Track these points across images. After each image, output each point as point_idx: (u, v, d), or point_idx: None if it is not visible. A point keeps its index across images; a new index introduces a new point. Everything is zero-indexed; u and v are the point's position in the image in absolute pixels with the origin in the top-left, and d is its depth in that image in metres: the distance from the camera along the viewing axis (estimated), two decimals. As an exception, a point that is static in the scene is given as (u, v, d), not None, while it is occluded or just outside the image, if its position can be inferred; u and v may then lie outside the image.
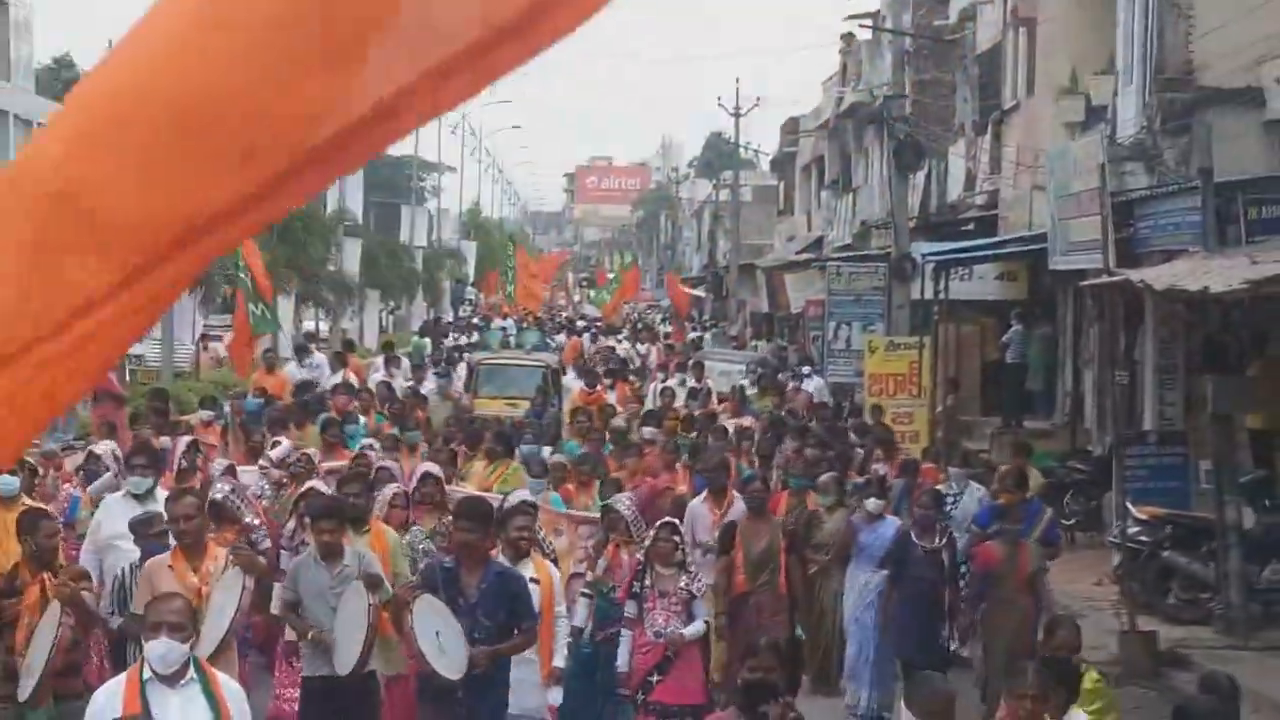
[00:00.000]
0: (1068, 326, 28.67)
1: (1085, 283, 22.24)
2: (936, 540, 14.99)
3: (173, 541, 11.24)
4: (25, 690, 10.42)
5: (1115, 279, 18.20)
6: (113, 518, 13.09)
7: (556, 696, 12.59)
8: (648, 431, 21.25)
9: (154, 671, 8.12)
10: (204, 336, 40.31)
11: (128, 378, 31.47)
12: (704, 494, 16.55)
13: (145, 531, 12.04)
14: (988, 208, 33.41)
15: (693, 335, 56.05)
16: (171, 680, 8.11)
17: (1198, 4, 22.69)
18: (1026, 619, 13.96)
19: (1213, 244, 18.56)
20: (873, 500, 16.02)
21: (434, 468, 15.22)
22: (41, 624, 10.63)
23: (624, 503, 14.49)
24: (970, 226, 34.15)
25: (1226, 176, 19.87)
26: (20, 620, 10.89)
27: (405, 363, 32.55)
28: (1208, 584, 18.31)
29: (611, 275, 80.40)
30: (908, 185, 35.37)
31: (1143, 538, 19.03)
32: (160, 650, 8.12)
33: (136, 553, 12.25)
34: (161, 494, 13.09)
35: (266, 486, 16.15)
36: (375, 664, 11.63)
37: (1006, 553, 14.34)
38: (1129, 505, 19.09)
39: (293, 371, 28.61)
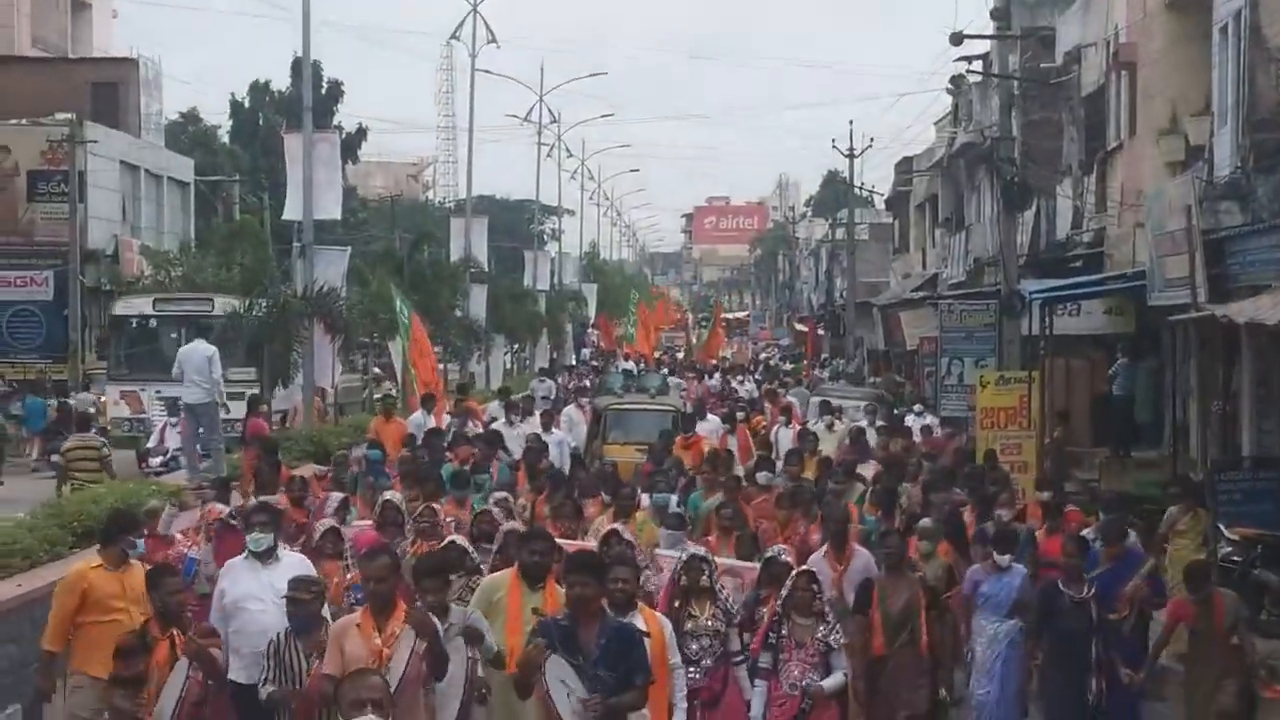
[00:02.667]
0: (1173, 360, 29.63)
1: (1174, 317, 23.38)
2: (1085, 590, 14.53)
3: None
4: None
5: (1202, 314, 19.32)
6: (238, 581, 13.01)
7: None
8: (763, 477, 20.31)
9: None
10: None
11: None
12: (824, 547, 15.68)
13: (298, 599, 11.70)
14: (1094, 245, 34.37)
15: (815, 373, 57.29)
16: None
17: (1288, 48, 23.80)
18: (1230, 676, 13.19)
19: (1293, 279, 19.70)
20: (996, 555, 15.34)
21: (493, 508, 15.36)
22: (170, 679, 10.97)
23: (786, 553, 14.22)
24: (1078, 263, 35.09)
25: (1314, 215, 21.00)
26: (150, 676, 10.96)
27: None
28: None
29: (725, 321, 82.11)
30: (1016, 224, 36.47)
31: (1235, 557, 20.05)
32: None
33: (269, 614, 12.36)
34: (285, 553, 13.34)
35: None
36: None
37: (1200, 608, 14.11)
38: (1221, 527, 20.17)
39: (417, 420, 28.44)
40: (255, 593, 12.75)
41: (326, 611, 12.03)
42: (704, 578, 13.06)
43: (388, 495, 16.63)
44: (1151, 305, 26.63)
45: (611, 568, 11.38)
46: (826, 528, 15.98)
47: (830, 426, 29.86)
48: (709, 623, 13.03)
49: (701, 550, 13.78)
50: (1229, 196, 24.61)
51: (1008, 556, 15.20)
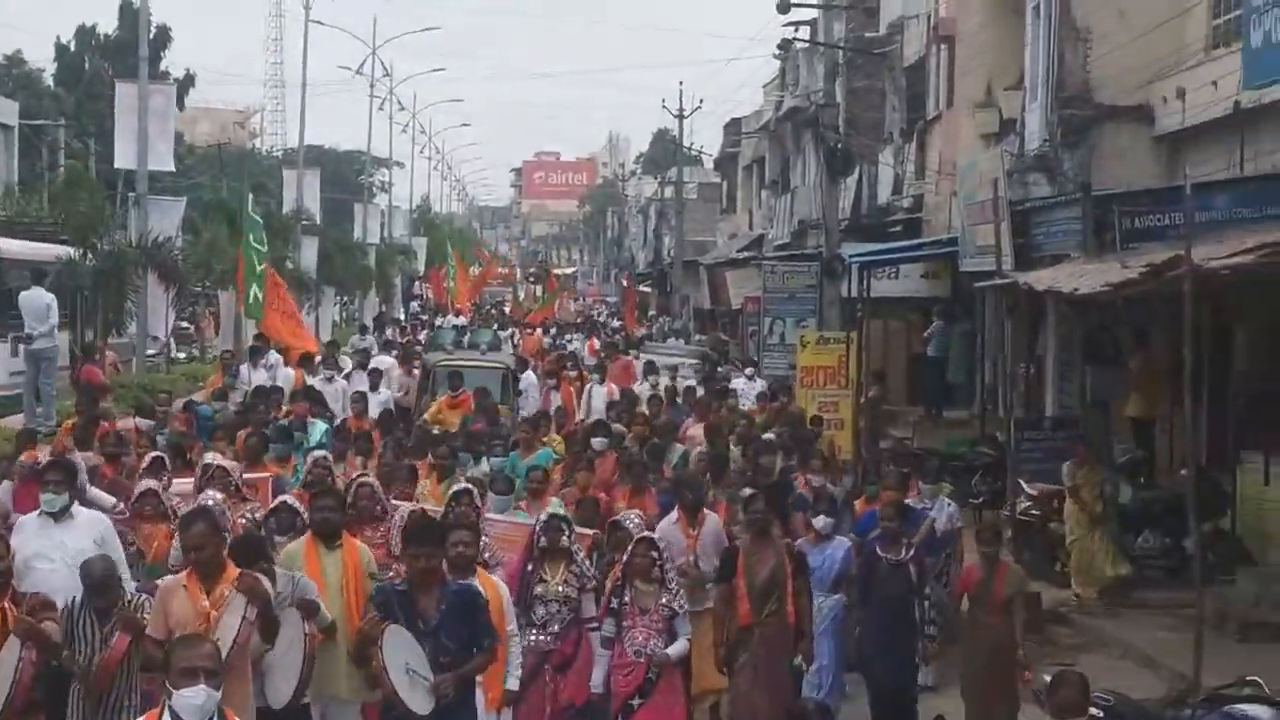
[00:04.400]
0: (984, 324, 30.86)
1: (980, 284, 24.64)
2: (903, 553, 14.31)
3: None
4: None
5: (1006, 281, 20.53)
6: (27, 540, 12.40)
7: None
8: (598, 442, 19.45)
9: None
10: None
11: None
12: (675, 513, 15.05)
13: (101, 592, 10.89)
14: (913, 211, 35.60)
15: (640, 333, 57.95)
16: None
17: (1095, 27, 25.03)
18: (1002, 644, 13.84)
19: (1092, 249, 20.95)
20: (821, 519, 15.11)
21: (370, 478, 14.61)
22: (0, 660, 10.03)
23: (633, 519, 14.04)
24: (897, 229, 36.27)
25: (1117, 188, 22.22)
26: None
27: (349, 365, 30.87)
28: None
29: (558, 278, 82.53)
30: (839, 189, 37.60)
31: (1034, 511, 21.33)
32: (198, 700, 7.42)
33: (58, 574, 11.96)
34: (81, 511, 12.77)
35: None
36: (350, 689, 11.42)
37: (983, 573, 14.11)
38: (1022, 483, 21.42)
39: (244, 373, 28.24)
40: (45, 551, 12.31)
41: (129, 579, 11.83)
42: (563, 538, 12.94)
43: (209, 456, 16.25)
44: (964, 271, 27.82)
45: (452, 531, 11.37)
46: (679, 493, 15.43)
47: (655, 386, 29.99)
48: (560, 588, 12.91)
49: (560, 509, 13.59)
50: (1037, 169, 25.84)
51: (823, 520, 15.01)
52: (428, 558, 10.17)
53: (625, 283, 74.16)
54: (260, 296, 25.98)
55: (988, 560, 14.14)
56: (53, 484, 12.59)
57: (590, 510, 15.12)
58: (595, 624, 12.89)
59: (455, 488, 14.68)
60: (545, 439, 21.11)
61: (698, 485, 15.61)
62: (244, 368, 28.65)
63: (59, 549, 12.30)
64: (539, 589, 12.89)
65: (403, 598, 10.10)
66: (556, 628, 12.90)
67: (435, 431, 22.03)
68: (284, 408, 23.86)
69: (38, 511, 12.69)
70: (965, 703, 14.16)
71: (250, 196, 26.11)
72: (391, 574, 12.24)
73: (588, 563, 13.27)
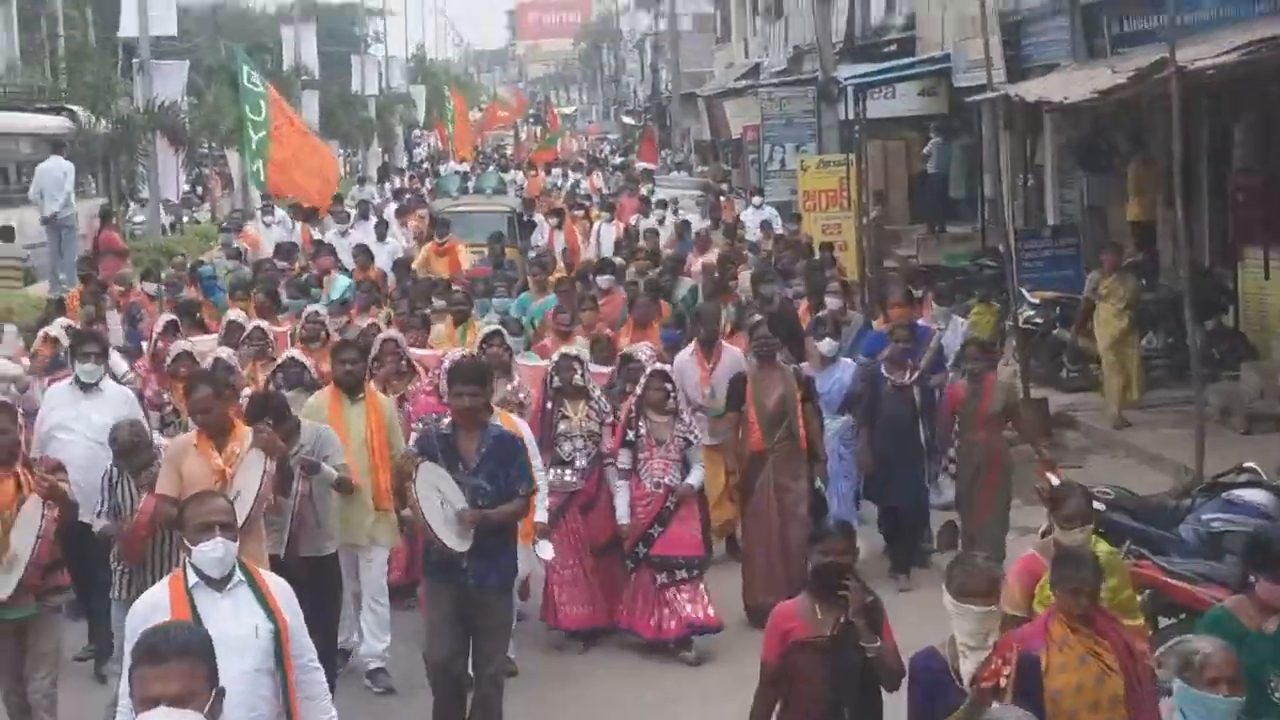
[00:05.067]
0: (983, 137, 30.97)
1: (971, 98, 24.71)
2: (907, 376, 14.41)
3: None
4: (7, 588, 9.87)
5: (996, 94, 20.68)
6: (55, 407, 12.63)
7: (547, 551, 12.13)
8: (603, 280, 19.61)
9: (202, 576, 7.41)
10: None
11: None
12: (692, 345, 15.23)
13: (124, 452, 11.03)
14: (907, 29, 35.52)
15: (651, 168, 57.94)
16: (220, 584, 7.40)
17: None
18: (991, 460, 13.92)
19: (1082, 57, 21.06)
20: (827, 341, 14.89)
21: (394, 333, 14.47)
22: (21, 518, 9.94)
23: (644, 351, 14.08)
24: (892, 48, 36.14)
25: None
26: None
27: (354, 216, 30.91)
28: (1093, 355, 20.36)
29: (561, 117, 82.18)
30: (832, 10, 37.42)
31: (1037, 319, 21.59)
32: (217, 553, 7.39)
33: (77, 445, 12.12)
34: (109, 385, 12.84)
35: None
36: (374, 537, 11.70)
37: (970, 390, 14.02)
38: (1025, 292, 21.69)
39: (252, 229, 28.41)
40: (68, 423, 12.43)
41: (158, 440, 11.84)
42: (577, 376, 12.93)
43: (232, 314, 16.58)
44: (959, 87, 27.89)
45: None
46: (696, 326, 15.56)
47: (662, 221, 30.39)
48: (583, 423, 12.89)
49: (572, 349, 13.61)
50: (1028, -23, 25.77)
51: (828, 343, 14.82)
52: (471, 396, 10.14)
53: (630, 120, 73.81)
54: (262, 169, 25.83)
55: (972, 377, 14.02)
56: (92, 355, 12.63)
57: (604, 348, 15.06)
58: (611, 460, 12.89)
59: (486, 328, 14.61)
60: (553, 279, 21.24)
61: (713, 317, 15.51)
62: (251, 225, 28.82)
63: (81, 421, 12.39)
64: (562, 426, 12.88)
65: (444, 440, 10.11)
66: (583, 463, 12.88)
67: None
68: (299, 263, 24.12)
69: (70, 379, 12.77)
70: (960, 516, 14.27)
71: (245, 68, 25.95)
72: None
73: (603, 399, 13.20)
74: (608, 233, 29.23)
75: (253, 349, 14.93)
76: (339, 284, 21.46)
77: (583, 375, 13.05)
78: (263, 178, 26.38)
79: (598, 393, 13.22)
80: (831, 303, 17.21)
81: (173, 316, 16.64)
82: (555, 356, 13.34)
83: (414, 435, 11.82)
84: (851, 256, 27.62)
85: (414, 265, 24.48)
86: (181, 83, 37.65)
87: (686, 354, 15.03)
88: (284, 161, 25.86)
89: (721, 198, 38.68)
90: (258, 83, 26.12)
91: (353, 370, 11.95)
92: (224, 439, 10.09)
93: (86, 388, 12.54)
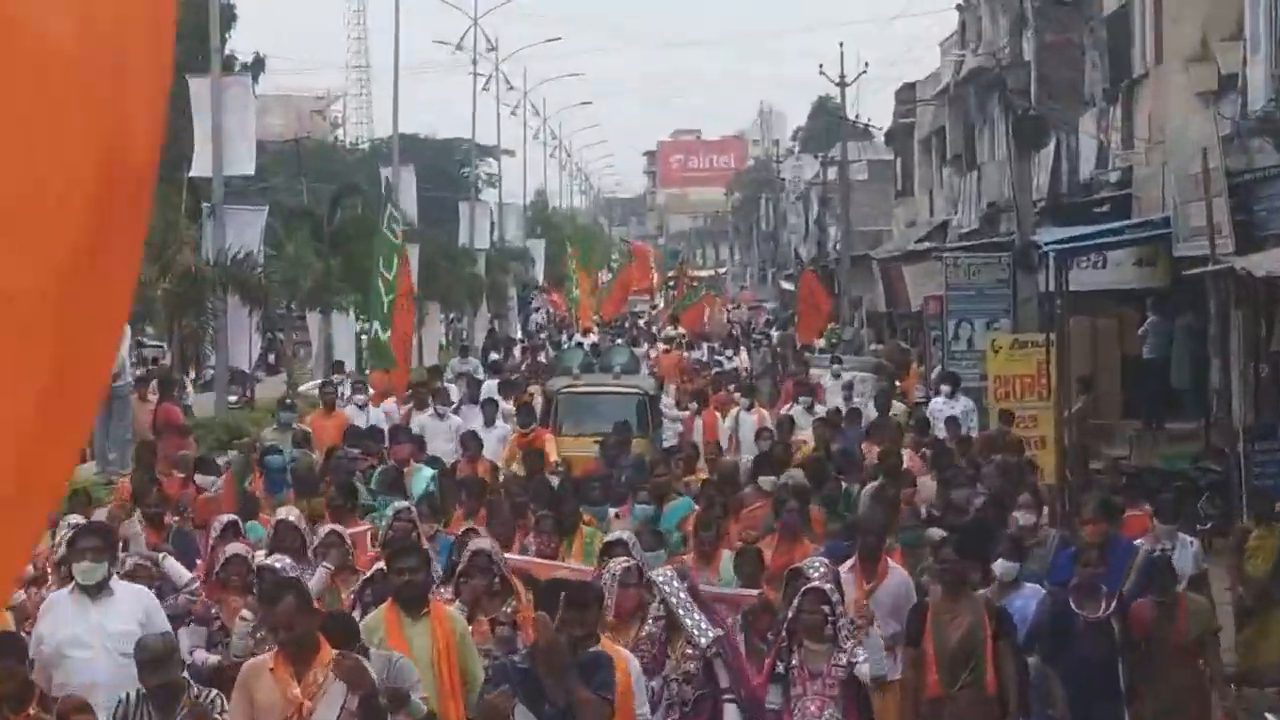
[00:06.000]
0: (1210, 317, 31.16)
1: (1195, 271, 25.05)
2: (1102, 608, 14.13)
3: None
4: None
5: (1220, 266, 21.13)
6: (61, 620, 12.38)
7: None
8: (766, 483, 19.85)
9: None
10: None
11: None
12: (852, 560, 15.30)
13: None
14: (1121, 186, 35.96)
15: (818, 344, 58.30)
16: None
17: (1327, -36, 25.44)
18: (1189, 694, 13.96)
19: (1328, 225, 21.48)
20: (1001, 563, 14.80)
21: (487, 543, 14.27)
22: None
23: (817, 568, 13.96)
24: (1104, 208, 36.39)
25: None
26: None
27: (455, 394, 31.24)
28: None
29: (698, 281, 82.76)
30: (1032, 163, 38.18)
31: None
32: None
33: (98, 663, 11.98)
34: (120, 586, 12.66)
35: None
36: None
37: (1158, 612, 14.01)
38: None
39: (353, 413, 28.61)
40: (82, 637, 12.17)
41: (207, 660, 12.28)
42: (827, 624, 12.87)
43: (282, 513, 16.42)
44: (1180, 256, 28.24)
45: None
46: (859, 538, 15.63)
47: (810, 409, 30.56)
48: (683, 664, 12.85)
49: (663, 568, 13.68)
50: (1262, 132, 26.04)
51: (1003, 564, 14.74)
52: (576, 625, 10.38)
53: (789, 286, 73.95)
54: (384, 335, 26.20)
55: (1164, 604, 14.09)
56: (90, 551, 12.40)
57: (752, 564, 15.05)
58: (729, 695, 12.79)
59: (609, 537, 14.86)
60: (688, 479, 21.63)
61: (876, 527, 15.75)
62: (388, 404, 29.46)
63: (97, 633, 12.18)
64: (666, 667, 12.86)
65: (524, 675, 10.24)
66: (688, 708, 12.88)
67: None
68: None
69: (70, 587, 12.53)
70: None
71: (389, 209, 26.64)
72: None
73: (704, 622, 12.85)
74: (747, 422, 29.62)
75: (333, 558, 14.71)
76: (421, 476, 21.63)
77: (832, 624, 12.91)
78: (385, 352, 26.76)
79: (698, 618, 12.89)
80: (1023, 518, 17.26)
81: (233, 517, 16.58)
82: (798, 599, 13.01)
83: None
84: (1050, 456, 27.78)
85: (501, 460, 25.05)
86: (259, 231, 38.80)
87: (844, 569, 14.95)
88: (403, 337, 26.19)
89: (897, 383, 39.19)
90: (397, 231, 26.62)
91: (413, 580, 12.05)
92: (306, 664, 10.21)
93: (91, 591, 12.32)
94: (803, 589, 12.95)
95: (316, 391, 32.50)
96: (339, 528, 15.79)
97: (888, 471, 20.76)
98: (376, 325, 26.60)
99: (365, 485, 20.63)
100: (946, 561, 13.97)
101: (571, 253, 76.34)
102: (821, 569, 13.84)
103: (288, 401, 28.94)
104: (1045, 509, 19.40)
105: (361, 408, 29.19)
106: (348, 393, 30.18)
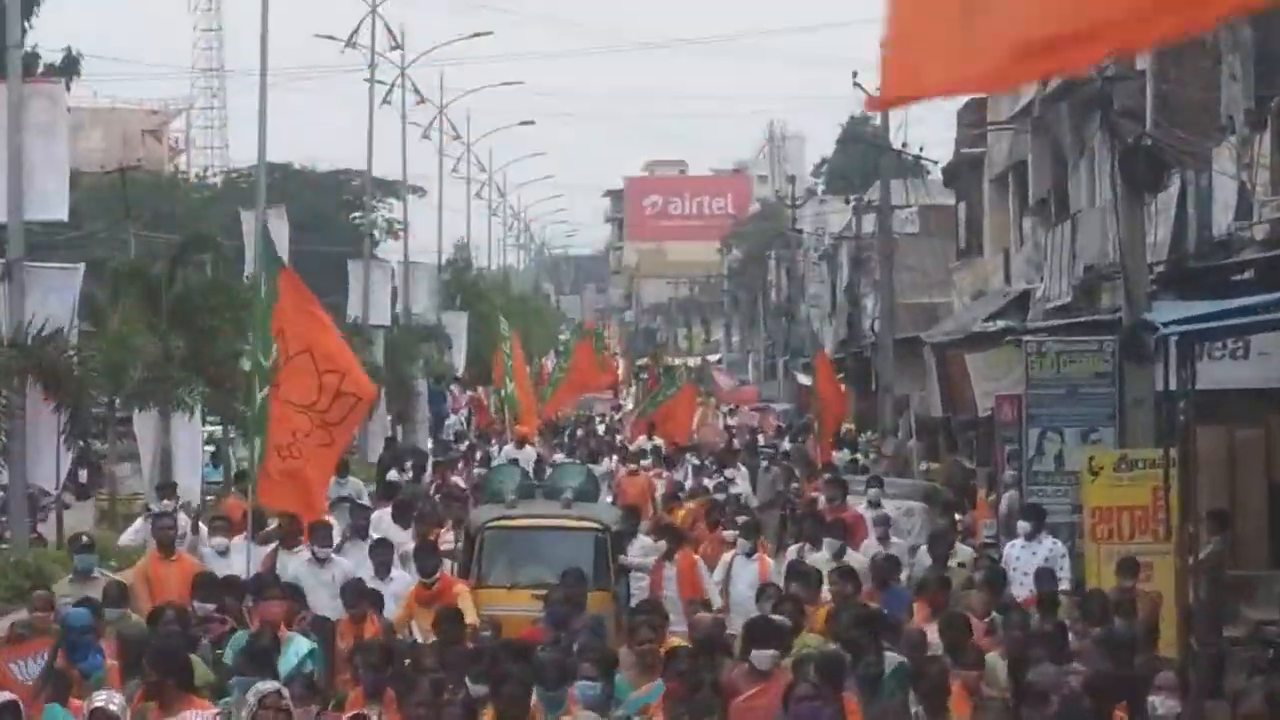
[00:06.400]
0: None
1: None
2: None
3: None
4: None
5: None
6: None
7: None
8: (761, 660, 20.18)
9: None
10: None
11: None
12: None
13: None
14: (1272, 245, 36.20)
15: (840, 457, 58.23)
16: None
17: None
18: None
19: None
20: None
21: None
22: None
23: None
24: (1247, 274, 36.79)
25: None
26: None
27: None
28: None
29: (678, 370, 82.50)
30: (1147, 212, 38.31)
31: None
32: None
33: None
34: None
35: None
36: None
37: None
38: None
39: (206, 552, 29.29)
40: None
41: None
42: None
43: (100, 699, 16.83)
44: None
45: None
46: None
47: (839, 554, 30.39)
48: None
49: None
50: None
51: None
52: None
53: (807, 381, 73.91)
54: (259, 447, 26.21)
55: None
56: None
57: None
58: None
59: None
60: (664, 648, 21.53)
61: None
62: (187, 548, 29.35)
63: None
64: None
65: None
66: None
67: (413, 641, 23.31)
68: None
69: None
70: None
71: (264, 242, 26.83)
72: None
73: None
74: (745, 571, 30.01)
75: None
76: (293, 648, 21.85)
77: None
78: (256, 464, 27.16)
79: None
80: (1161, 706, 17.55)
81: (11, 699, 17.15)
82: None
83: None
84: (1170, 617, 27.90)
85: (394, 620, 25.39)
86: (72, 299, 38.66)
87: None
88: (288, 442, 26.41)
89: (959, 516, 39.31)
90: (271, 275, 26.84)
91: None
92: None
93: None
94: None
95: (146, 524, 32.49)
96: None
97: (950, 648, 20.98)
98: (258, 442, 26.63)
99: (217, 658, 20.95)
100: None
101: (506, 332, 76.20)
102: None
103: (84, 540, 28.85)
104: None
105: (222, 553, 29.24)
106: (187, 529, 30.28)
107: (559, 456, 60.54)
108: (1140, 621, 24.36)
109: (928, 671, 19.29)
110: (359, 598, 24.97)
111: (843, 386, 65.88)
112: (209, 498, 48.22)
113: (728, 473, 51.11)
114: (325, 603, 25.66)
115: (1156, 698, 17.49)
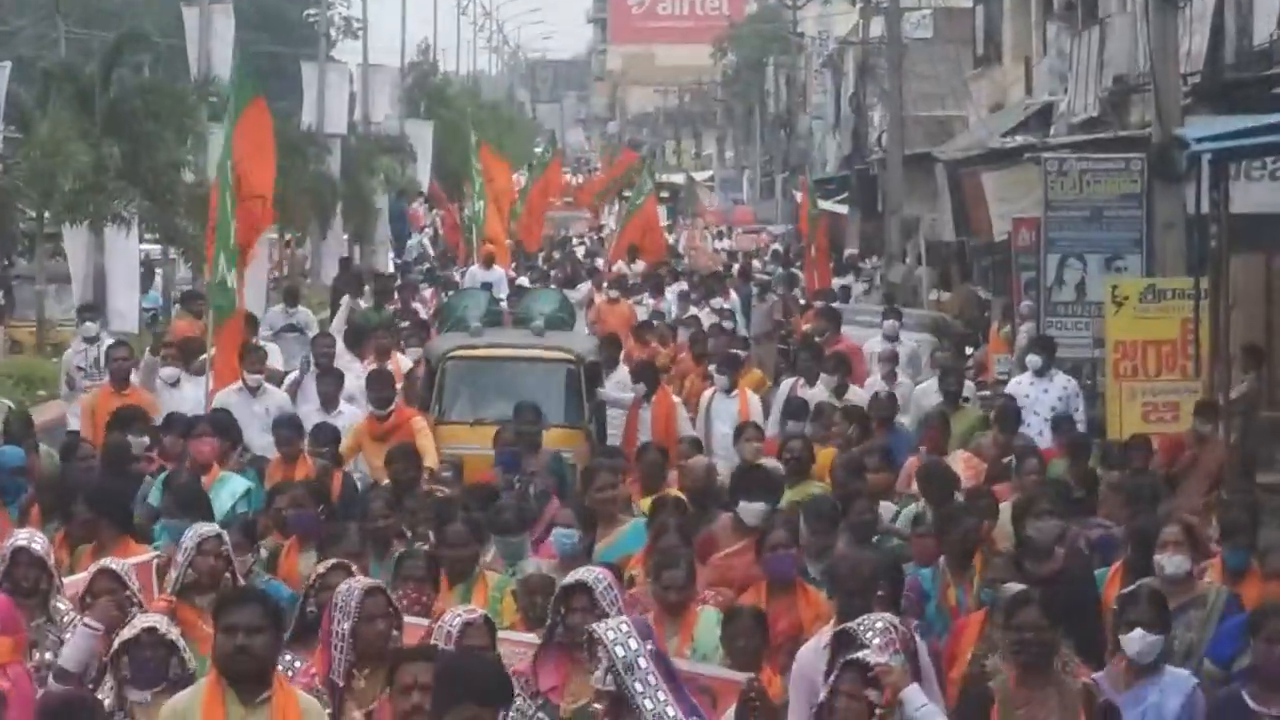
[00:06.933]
0: None
1: None
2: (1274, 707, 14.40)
3: None
4: None
5: None
6: None
7: None
8: (749, 512, 19.80)
9: None
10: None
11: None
12: None
13: None
14: (1314, 58, 36.36)
15: (838, 283, 58.34)
16: None
17: None
18: None
19: None
20: (1139, 634, 14.98)
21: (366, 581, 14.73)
22: None
23: (877, 628, 13.71)
24: (1286, 91, 36.96)
25: None
26: None
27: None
28: None
29: (666, 188, 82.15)
30: (1180, 19, 38.31)
31: None
32: None
33: None
34: None
35: None
36: None
37: None
38: None
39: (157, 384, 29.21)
40: None
41: None
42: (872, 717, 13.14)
43: (22, 537, 16.32)
44: None
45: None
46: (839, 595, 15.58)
47: (840, 390, 30.68)
48: None
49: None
50: None
51: (1140, 636, 14.92)
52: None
53: (799, 196, 74.17)
54: (230, 277, 26.23)
55: None
56: None
57: (749, 631, 15.57)
58: None
59: (566, 580, 15.17)
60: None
61: (862, 578, 15.46)
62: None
63: None
64: None
65: None
66: None
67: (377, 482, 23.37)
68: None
69: None
70: None
71: (235, 69, 26.96)
72: None
73: (673, 709, 12.96)
74: (725, 409, 30.17)
75: (101, 612, 15.11)
76: (228, 488, 22.20)
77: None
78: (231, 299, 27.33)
79: None
80: (1170, 564, 17.28)
81: None
82: (836, 674, 13.34)
83: None
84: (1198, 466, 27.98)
85: (342, 449, 25.37)
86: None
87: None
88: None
89: (970, 351, 39.44)
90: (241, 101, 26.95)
91: (250, 646, 12.41)
92: None
93: None
94: (841, 660, 13.12)
95: (79, 351, 33.14)
96: (114, 563, 15.90)
97: (966, 498, 20.75)
98: (223, 257, 26.75)
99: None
100: (1025, 629, 14.04)
101: (476, 143, 75.77)
102: (884, 631, 13.62)
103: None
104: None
105: (174, 384, 29.32)
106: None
107: (525, 280, 60.47)
108: (1204, 472, 24.47)
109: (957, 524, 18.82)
110: (293, 433, 24.68)
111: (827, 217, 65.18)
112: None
113: (715, 301, 50.90)
114: (257, 438, 25.71)
115: (1162, 555, 17.13)
